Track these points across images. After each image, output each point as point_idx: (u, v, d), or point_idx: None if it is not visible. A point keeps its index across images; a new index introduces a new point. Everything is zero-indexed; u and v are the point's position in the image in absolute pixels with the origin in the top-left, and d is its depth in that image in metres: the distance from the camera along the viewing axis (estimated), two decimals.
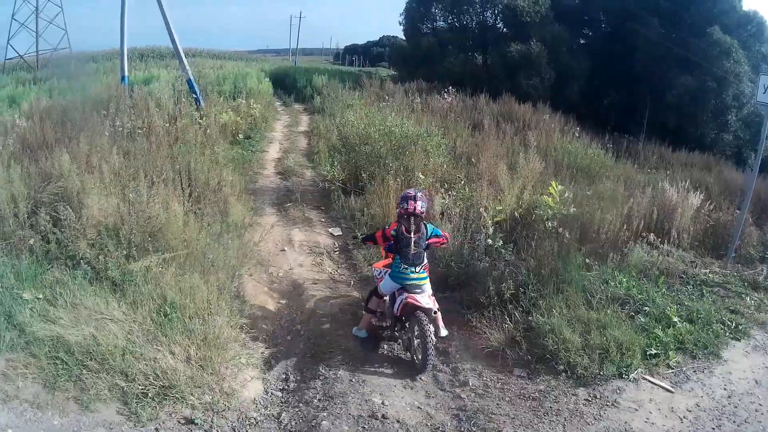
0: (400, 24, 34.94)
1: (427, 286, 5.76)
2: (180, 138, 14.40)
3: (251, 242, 9.22)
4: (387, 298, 6.03)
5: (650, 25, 25.31)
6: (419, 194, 5.62)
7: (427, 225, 5.72)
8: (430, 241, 5.76)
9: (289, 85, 30.07)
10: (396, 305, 5.68)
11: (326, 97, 23.83)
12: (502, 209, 8.91)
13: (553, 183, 8.66)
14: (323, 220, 11.22)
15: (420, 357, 5.44)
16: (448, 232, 6.89)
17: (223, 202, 9.93)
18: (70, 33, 39.66)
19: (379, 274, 6.28)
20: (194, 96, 18.49)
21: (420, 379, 5.59)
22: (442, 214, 9.27)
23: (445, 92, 22.79)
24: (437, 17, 33.60)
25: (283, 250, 9.61)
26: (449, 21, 33.26)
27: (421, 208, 5.53)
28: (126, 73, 18.16)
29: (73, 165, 8.33)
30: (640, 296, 6.92)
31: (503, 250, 7.89)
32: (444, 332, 5.96)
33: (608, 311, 6.40)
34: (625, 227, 8.41)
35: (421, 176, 10.74)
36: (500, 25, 31.22)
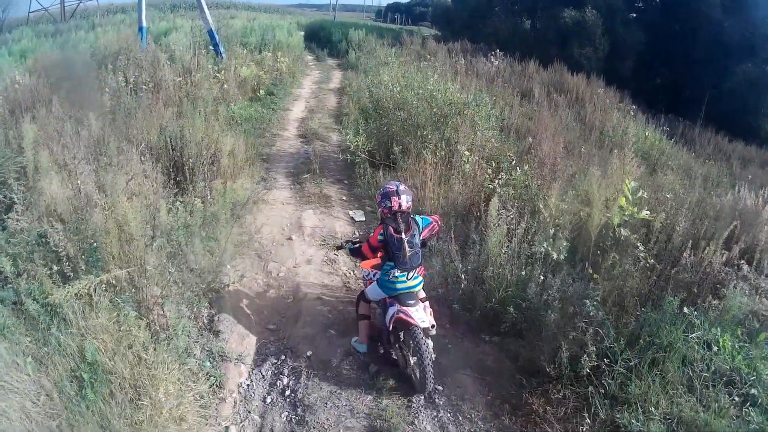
0: None
1: (421, 292, 4.95)
2: (191, 94, 12.82)
3: (248, 230, 7.50)
4: (376, 305, 5.28)
5: (712, 3, 23.44)
6: (402, 187, 4.78)
7: (416, 218, 4.85)
8: (424, 234, 4.93)
9: (323, 39, 28.25)
10: (387, 318, 4.81)
11: (362, 53, 21.80)
12: (567, 208, 6.78)
13: (626, 179, 6.54)
14: (344, 198, 9.42)
15: (418, 375, 4.64)
16: (437, 215, 5.64)
17: (221, 178, 8.17)
18: None
19: (367, 276, 5.33)
20: (215, 48, 17.17)
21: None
22: (487, 200, 7.37)
23: (491, 55, 21.00)
24: None
25: (290, 238, 7.83)
26: None
27: (407, 203, 4.73)
28: (144, 23, 16.84)
29: (41, 134, 7.03)
30: (747, 370, 4.52)
31: (566, 266, 5.86)
32: (432, 329, 4.78)
33: (714, 398, 4.22)
34: (713, 249, 5.54)
35: (465, 152, 8.82)
36: None
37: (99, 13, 29.85)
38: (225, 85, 14.62)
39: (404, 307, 4.62)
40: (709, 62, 23.55)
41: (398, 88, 10.67)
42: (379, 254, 4.95)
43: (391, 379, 4.93)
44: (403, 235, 4.62)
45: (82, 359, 3.98)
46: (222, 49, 17.37)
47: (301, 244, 7.66)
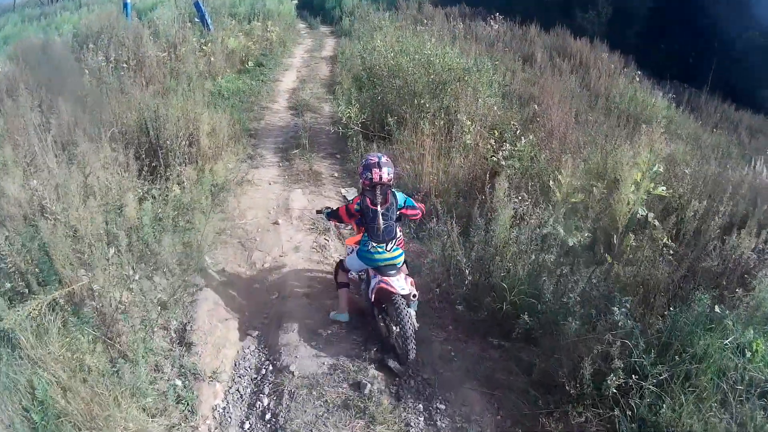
0: None
1: (403, 266, 4.87)
2: (175, 70, 12.35)
3: (231, 215, 6.90)
4: (357, 276, 5.30)
5: None
6: (383, 159, 4.67)
7: (397, 194, 4.82)
8: (403, 211, 4.88)
9: (317, 6, 27.02)
10: (370, 290, 4.75)
11: (355, 19, 20.86)
12: (581, 185, 6.04)
13: (642, 151, 5.71)
14: (336, 175, 8.77)
15: (401, 345, 4.50)
16: (422, 204, 5.30)
17: (202, 159, 7.56)
18: None
19: (350, 252, 5.18)
20: (201, 20, 16.24)
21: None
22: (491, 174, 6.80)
23: (491, 19, 20.19)
24: None
25: (277, 222, 7.17)
26: None
27: (388, 174, 4.63)
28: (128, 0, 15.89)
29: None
30: None
31: (584, 254, 5.20)
32: (415, 306, 4.79)
33: (750, 416, 3.41)
34: (747, 233, 4.77)
35: (467, 122, 8.16)
36: None
37: None
38: (212, 58, 13.92)
39: (385, 277, 4.57)
40: (716, 29, 22.53)
41: (392, 54, 9.93)
42: (362, 229, 4.88)
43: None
44: (379, 208, 4.58)
45: (33, 396, 3.36)
46: (209, 21, 16.44)
47: (289, 228, 7.02)
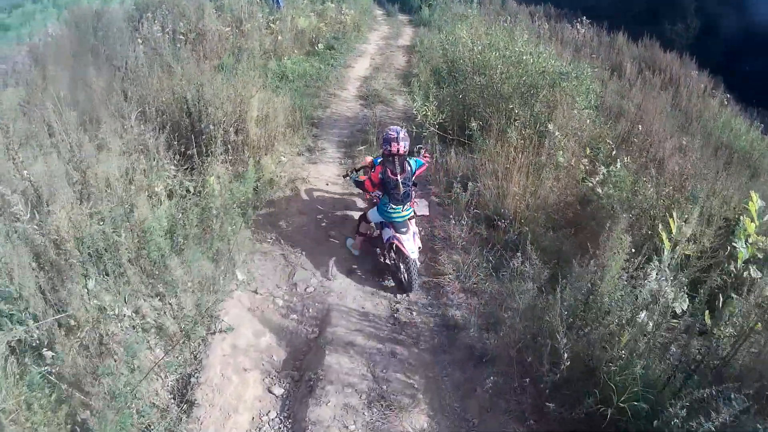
0: None
1: (413, 222, 5.51)
2: (237, 46, 11.59)
3: (276, 218, 5.81)
4: (375, 225, 5.84)
5: None
6: (401, 134, 5.26)
7: (410, 161, 5.42)
8: (417, 173, 5.55)
9: None
10: (385, 237, 5.51)
11: (436, 8, 19.57)
12: (693, 235, 4.71)
13: (753, 193, 4.52)
14: None
15: (406, 279, 5.28)
16: (428, 155, 6.20)
17: (250, 149, 6.51)
18: None
19: (371, 198, 6.17)
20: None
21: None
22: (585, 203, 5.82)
23: (577, 22, 18.97)
24: None
25: (330, 235, 6.10)
26: None
27: (404, 148, 5.24)
28: None
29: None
30: None
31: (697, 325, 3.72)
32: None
33: None
34: None
35: (557, 133, 6.85)
36: None
37: None
38: (279, 37, 12.96)
39: (398, 234, 5.23)
40: None
41: (479, 48, 8.59)
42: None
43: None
44: (399, 177, 5.23)
45: None
46: (282, 2, 15.59)
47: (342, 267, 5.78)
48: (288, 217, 6.16)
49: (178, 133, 6.35)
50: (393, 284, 5.45)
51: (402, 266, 5.31)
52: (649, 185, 5.84)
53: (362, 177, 5.89)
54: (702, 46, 21.24)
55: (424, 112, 7.75)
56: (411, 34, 18.47)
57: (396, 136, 5.20)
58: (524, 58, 7.97)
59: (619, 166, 6.29)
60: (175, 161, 5.63)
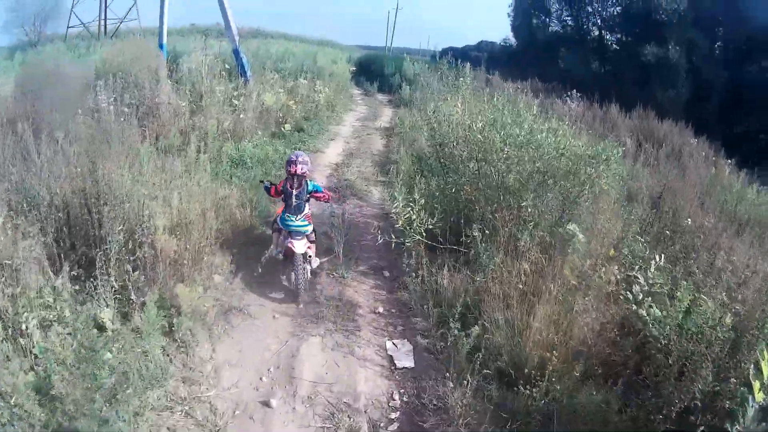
0: (508, 16, 31.72)
1: (309, 232, 6.13)
2: (192, 124, 10.32)
3: (196, 374, 3.96)
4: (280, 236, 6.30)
5: None
6: (300, 157, 6.14)
7: (308, 182, 6.21)
8: (312, 195, 6.28)
9: (375, 72, 24.82)
10: (284, 247, 5.99)
11: (417, 87, 18.25)
12: None
13: None
14: (381, 310, 5.63)
15: (294, 280, 5.75)
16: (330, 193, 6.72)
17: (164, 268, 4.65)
18: (144, 6, 35.60)
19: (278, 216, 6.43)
20: (240, 70, 14.07)
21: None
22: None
23: (567, 96, 18.22)
24: (552, 8, 29.64)
25: (268, 403, 4.11)
26: (566, 14, 29.46)
27: (302, 169, 6.06)
28: (164, 41, 13.98)
29: None
30: None
31: None
32: (315, 262, 6.14)
33: None
34: None
35: (579, 236, 5.14)
36: (629, 23, 26.49)
37: (141, 33, 27.38)
38: (241, 115, 11.29)
39: (291, 239, 5.87)
40: None
41: (478, 125, 6.71)
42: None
43: None
44: (294, 191, 6.04)
45: None
46: (248, 71, 14.28)
47: (288, 418, 3.95)
48: (212, 370, 4.21)
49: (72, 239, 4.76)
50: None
51: (291, 267, 5.84)
52: (714, 305, 4.04)
53: (272, 187, 6.44)
54: (694, 111, 20.97)
55: (406, 216, 5.85)
56: (390, 115, 17.14)
57: (296, 159, 6.11)
58: (537, 137, 6.19)
59: (653, 268, 4.75)
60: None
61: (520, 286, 4.79)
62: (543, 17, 29.66)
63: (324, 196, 6.39)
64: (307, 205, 6.18)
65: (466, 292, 5.19)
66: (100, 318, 4.28)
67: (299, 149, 10.92)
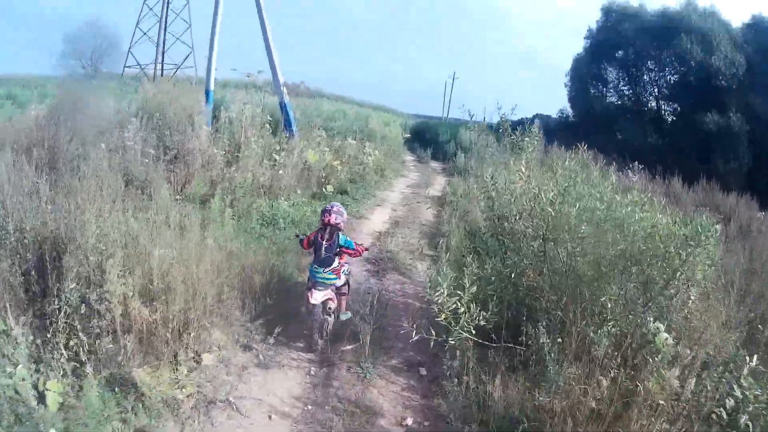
0: (565, 86, 30.40)
1: (333, 286, 5.93)
2: (220, 176, 9.54)
3: None
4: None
5: None
6: (335, 207, 6.07)
7: (340, 236, 6.02)
8: (342, 249, 6.05)
9: (429, 139, 24.11)
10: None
11: (473, 155, 17.22)
12: None
13: None
14: (412, 426, 4.34)
15: (313, 339, 5.64)
16: (362, 248, 6.31)
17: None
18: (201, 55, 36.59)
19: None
20: (286, 124, 13.42)
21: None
22: None
23: (628, 168, 16.20)
24: (609, 78, 28.68)
25: None
26: (623, 83, 28.44)
27: (335, 219, 5.96)
28: (211, 87, 13.64)
29: None
30: None
31: None
32: (344, 316, 6.08)
33: None
34: None
35: (665, 337, 4.02)
36: (686, 91, 25.24)
37: (195, 81, 27.46)
38: (281, 171, 10.40)
39: (312, 290, 5.65)
40: None
41: (549, 195, 5.40)
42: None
43: None
44: (324, 242, 5.85)
45: None
46: (294, 125, 13.62)
47: None
48: None
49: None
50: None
51: (311, 318, 5.67)
52: None
53: (305, 238, 6.23)
54: (757, 181, 20.17)
55: (451, 307, 4.51)
56: (443, 184, 16.08)
57: (330, 209, 5.96)
58: (619, 212, 4.95)
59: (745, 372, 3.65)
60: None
61: (593, 405, 3.56)
62: (600, 87, 28.67)
63: (355, 252, 6.23)
64: (337, 258, 6.03)
65: (523, 407, 3.93)
66: (42, 387, 3.48)
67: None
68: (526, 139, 7.78)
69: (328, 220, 5.91)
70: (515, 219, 5.90)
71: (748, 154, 21.43)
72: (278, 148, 11.39)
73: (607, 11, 28.29)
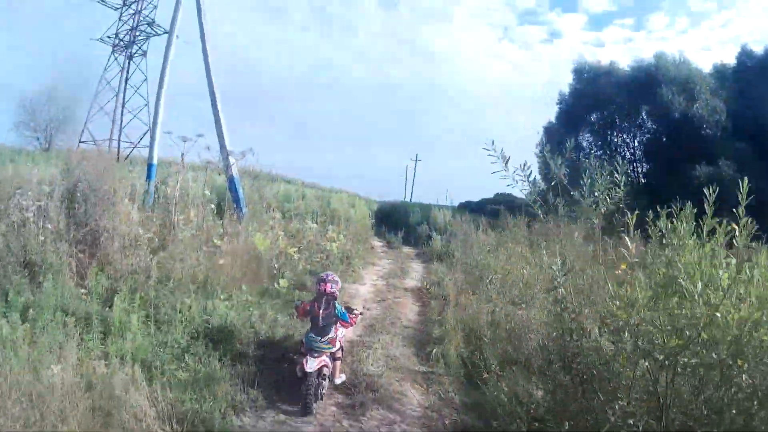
0: (536, 157, 29.07)
1: (328, 353, 5.91)
2: (144, 264, 7.61)
3: None
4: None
5: None
6: (330, 276, 6.20)
7: (337, 306, 6.09)
8: (338, 321, 6.11)
9: (397, 221, 21.71)
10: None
11: (452, 238, 15.14)
12: None
13: None
14: None
15: (303, 394, 5.52)
16: (355, 317, 6.59)
17: None
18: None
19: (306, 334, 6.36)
20: (235, 202, 11.71)
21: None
22: None
23: (623, 234, 13.94)
24: (583, 143, 28.17)
25: None
26: (600, 146, 28.01)
27: (331, 288, 6.05)
28: (154, 161, 12.40)
29: None
30: None
31: None
32: (338, 380, 6.13)
33: None
34: None
35: None
36: (671, 142, 24.96)
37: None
38: (221, 260, 8.19)
39: (307, 356, 5.66)
40: None
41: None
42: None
43: None
44: (321, 312, 5.93)
45: None
46: (243, 207, 11.50)
47: None
48: None
49: None
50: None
51: (303, 384, 5.56)
52: None
53: (301, 305, 6.25)
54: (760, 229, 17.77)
55: None
56: (421, 272, 13.68)
57: (325, 277, 6.14)
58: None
59: None
60: None
61: None
62: (575, 154, 27.65)
63: (349, 324, 6.39)
64: (333, 327, 6.11)
65: None
66: None
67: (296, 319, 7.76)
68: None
69: (325, 289, 6.04)
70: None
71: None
72: (221, 231, 9.06)
73: (578, 71, 28.01)
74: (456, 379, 6.13)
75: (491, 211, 31.25)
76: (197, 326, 6.32)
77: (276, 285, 8.56)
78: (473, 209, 30.30)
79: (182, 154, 9.90)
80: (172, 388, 4.68)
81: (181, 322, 6.23)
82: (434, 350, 6.78)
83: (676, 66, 24.77)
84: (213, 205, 10.21)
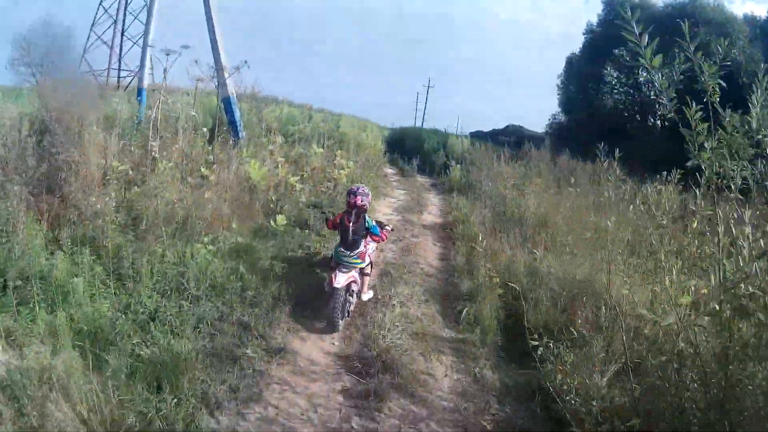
0: (557, 89, 29.04)
1: (357, 268, 5.86)
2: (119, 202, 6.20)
3: None
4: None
5: None
6: (360, 189, 6.04)
7: (367, 219, 5.98)
8: (369, 233, 6.04)
9: (411, 148, 19.83)
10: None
11: (471, 167, 13.81)
12: None
13: None
14: None
15: (330, 311, 5.49)
16: (387, 232, 6.59)
17: None
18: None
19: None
20: (231, 126, 10.11)
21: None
22: None
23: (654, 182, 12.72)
24: (610, 77, 26.44)
25: None
26: (629, 82, 25.99)
27: (362, 201, 5.89)
28: (145, 85, 11.82)
29: None
30: None
31: None
32: (366, 296, 6.12)
33: None
34: None
35: None
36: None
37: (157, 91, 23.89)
38: (207, 194, 6.81)
39: (336, 271, 5.59)
40: None
41: None
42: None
43: None
44: (351, 225, 5.81)
45: None
46: (241, 131, 10.11)
47: None
48: None
49: None
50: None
51: (330, 299, 5.52)
52: None
53: (330, 219, 6.33)
54: None
55: None
56: (440, 204, 12.28)
57: (355, 190, 5.96)
58: None
59: None
60: None
61: None
62: (601, 87, 26.80)
63: (380, 239, 6.33)
64: (363, 242, 6.01)
65: None
66: None
67: (298, 265, 6.86)
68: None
69: (355, 202, 5.89)
70: None
71: None
72: (210, 159, 7.69)
73: (609, 2, 25.95)
74: (493, 352, 4.87)
75: (502, 142, 30.17)
76: (170, 281, 5.02)
77: (272, 222, 7.17)
78: (483, 139, 29.17)
79: (164, 69, 8.42)
80: (121, 385, 3.38)
81: (151, 276, 4.97)
82: (465, 310, 5.52)
83: (712, 9, 23.36)
84: (206, 129, 8.74)
